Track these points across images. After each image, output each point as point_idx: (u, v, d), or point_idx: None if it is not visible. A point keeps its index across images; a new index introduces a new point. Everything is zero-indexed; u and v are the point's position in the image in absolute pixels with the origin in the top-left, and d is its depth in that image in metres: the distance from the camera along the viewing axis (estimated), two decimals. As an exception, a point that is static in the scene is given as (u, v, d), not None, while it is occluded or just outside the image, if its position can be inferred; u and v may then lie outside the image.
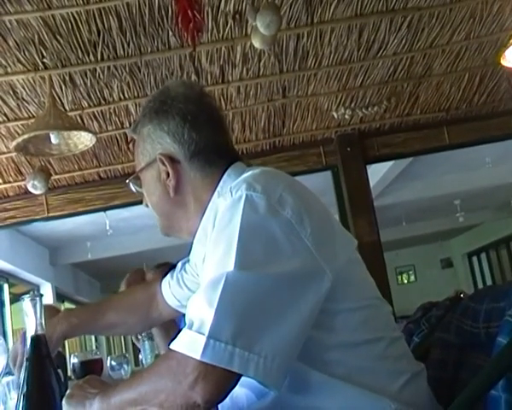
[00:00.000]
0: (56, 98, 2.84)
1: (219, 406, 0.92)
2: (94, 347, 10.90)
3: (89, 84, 2.95)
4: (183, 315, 1.48)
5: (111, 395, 0.98)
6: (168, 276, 1.52)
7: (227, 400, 0.89)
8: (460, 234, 12.78)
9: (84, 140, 2.68)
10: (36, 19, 2.43)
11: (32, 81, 2.83)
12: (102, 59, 2.78)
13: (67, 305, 9.90)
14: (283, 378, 0.89)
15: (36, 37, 2.53)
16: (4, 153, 3.45)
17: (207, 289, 0.90)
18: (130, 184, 1.29)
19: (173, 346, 0.89)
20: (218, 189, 1.14)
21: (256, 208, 0.94)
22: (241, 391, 1.00)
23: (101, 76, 2.91)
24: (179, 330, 0.90)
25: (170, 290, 1.50)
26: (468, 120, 4.05)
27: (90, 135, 2.64)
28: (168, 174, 1.16)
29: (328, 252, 0.96)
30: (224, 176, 1.15)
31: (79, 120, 3.20)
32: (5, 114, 3.09)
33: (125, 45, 2.72)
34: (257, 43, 2.35)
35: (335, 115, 3.72)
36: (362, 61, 3.23)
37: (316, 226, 0.96)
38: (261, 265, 0.90)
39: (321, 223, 0.99)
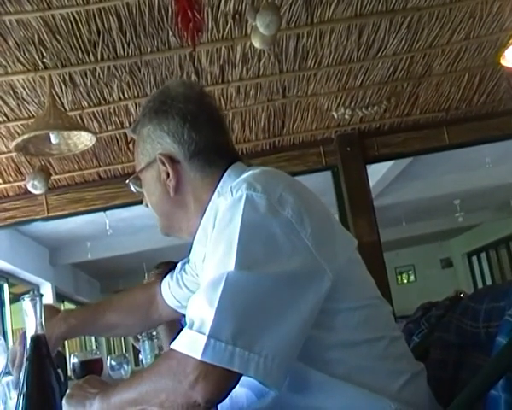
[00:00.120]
0: (56, 98, 2.84)
1: (219, 406, 0.92)
2: (94, 347, 10.91)
3: (89, 84, 2.95)
4: (184, 315, 1.48)
5: (111, 394, 0.98)
6: (168, 276, 1.52)
7: (227, 400, 0.89)
8: (460, 234, 12.78)
9: (83, 140, 2.68)
10: (36, 19, 2.43)
11: (31, 81, 2.83)
12: (102, 59, 2.78)
13: (67, 305, 9.91)
14: (284, 378, 0.89)
15: (36, 37, 2.53)
16: (4, 153, 3.45)
17: (208, 288, 0.90)
18: (131, 184, 1.29)
19: (174, 346, 0.89)
20: (218, 189, 1.14)
21: (256, 208, 0.94)
22: (241, 391, 1.00)
23: (101, 76, 2.91)
24: (182, 329, 0.91)
25: (169, 291, 1.49)
26: (467, 120, 4.05)
27: (90, 135, 2.64)
28: (168, 174, 1.16)
29: (328, 252, 0.96)
30: (224, 176, 1.15)
31: (79, 120, 3.20)
32: (5, 114, 3.09)
33: (125, 45, 2.72)
34: (257, 43, 2.36)
35: (335, 115, 3.72)
36: (362, 61, 3.24)
37: (316, 226, 0.96)
38: (261, 265, 0.90)
39: (321, 223, 0.99)
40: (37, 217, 4.03)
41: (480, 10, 2.96)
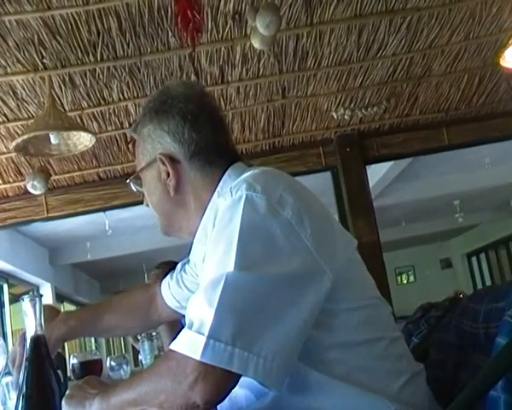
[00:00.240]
0: (56, 99, 2.84)
1: (218, 406, 0.92)
2: (93, 347, 10.88)
3: (88, 84, 2.95)
4: (184, 316, 1.48)
5: (111, 395, 0.98)
6: (168, 277, 1.52)
7: (226, 400, 0.89)
8: (459, 234, 12.78)
9: (83, 140, 2.68)
10: (35, 19, 2.43)
11: (31, 81, 2.83)
12: (102, 59, 2.78)
13: (67, 305, 9.90)
14: (283, 378, 0.89)
15: (35, 37, 2.53)
16: (4, 153, 3.45)
17: (207, 289, 0.90)
18: (131, 184, 1.29)
19: (173, 346, 0.89)
20: (218, 189, 1.14)
21: (256, 208, 0.94)
22: (240, 391, 1.00)
23: (101, 76, 2.91)
24: (182, 328, 0.91)
25: (169, 291, 1.49)
26: (467, 120, 4.05)
27: (90, 135, 2.64)
28: (168, 174, 1.16)
29: (328, 252, 0.96)
30: (225, 176, 1.15)
31: (79, 121, 3.20)
32: (5, 115, 3.09)
33: (125, 46, 2.72)
34: (256, 44, 2.36)
35: (335, 116, 3.72)
36: (361, 62, 3.24)
37: (316, 227, 0.96)
38: (261, 265, 0.90)
39: (321, 223, 0.99)
40: (37, 217, 4.03)
41: (480, 11, 2.97)
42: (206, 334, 0.84)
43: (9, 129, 3.21)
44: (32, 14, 2.39)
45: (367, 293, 1.05)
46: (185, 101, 1.17)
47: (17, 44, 2.55)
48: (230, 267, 0.89)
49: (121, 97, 3.16)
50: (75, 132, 2.63)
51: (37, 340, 1.02)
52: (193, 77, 3.03)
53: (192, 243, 1.24)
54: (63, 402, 1.03)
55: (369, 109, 3.69)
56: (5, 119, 3.12)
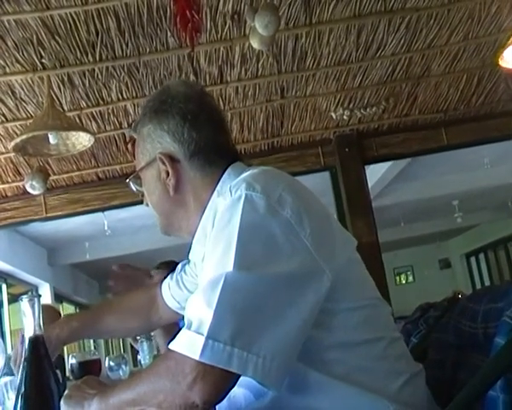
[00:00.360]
0: (55, 98, 2.84)
1: (217, 406, 0.92)
2: (92, 347, 10.88)
3: (87, 84, 2.94)
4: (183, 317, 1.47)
5: (109, 395, 0.98)
6: (168, 278, 1.52)
7: (225, 400, 0.89)
8: (458, 235, 12.79)
9: (82, 140, 2.68)
10: (34, 19, 2.42)
11: (30, 81, 2.83)
12: (101, 59, 2.77)
13: (66, 305, 9.89)
14: (283, 378, 0.89)
15: (34, 37, 2.53)
16: (3, 153, 3.45)
17: (206, 289, 0.89)
18: (131, 183, 1.29)
19: (172, 346, 0.89)
20: (218, 188, 1.14)
21: (255, 208, 0.94)
22: (239, 391, 1.00)
23: (100, 76, 2.90)
24: (179, 330, 0.91)
25: (170, 292, 1.49)
26: (466, 120, 4.05)
27: (89, 135, 2.64)
28: (168, 173, 1.16)
29: (327, 252, 0.96)
30: (224, 175, 1.15)
31: (78, 121, 3.20)
32: (3, 115, 3.09)
33: (124, 46, 2.72)
34: (255, 44, 2.36)
35: (334, 116, 3.72)
36: (360, 62, 3.24)
37: (315, 226, 0.95)
38: (260, 265, 0.90)
39: (320, 223, 0.99)
40: (36, 217, 4.03)
41: (479, 11, 2.97)
42: (205, 334, 0.84)
43: (8, 129, 3.21)
44: (30, 14, 2.38)
45: (367, 293, 1.05)
46: (185, 100, 1.17)
47: (16, 44, 2.55)
48: (230, 267, 0.89)
49: (120, 97, 3.15)
50: (74, 132, 2.63)
51: (35, 340, 1.02)
52: (192, 77, 3.02)
53: (191, 243, 1.24)
54: (62, 402, 1.03)
55: (367, 109, 3.69)
56: (4, 119, 3.12)
